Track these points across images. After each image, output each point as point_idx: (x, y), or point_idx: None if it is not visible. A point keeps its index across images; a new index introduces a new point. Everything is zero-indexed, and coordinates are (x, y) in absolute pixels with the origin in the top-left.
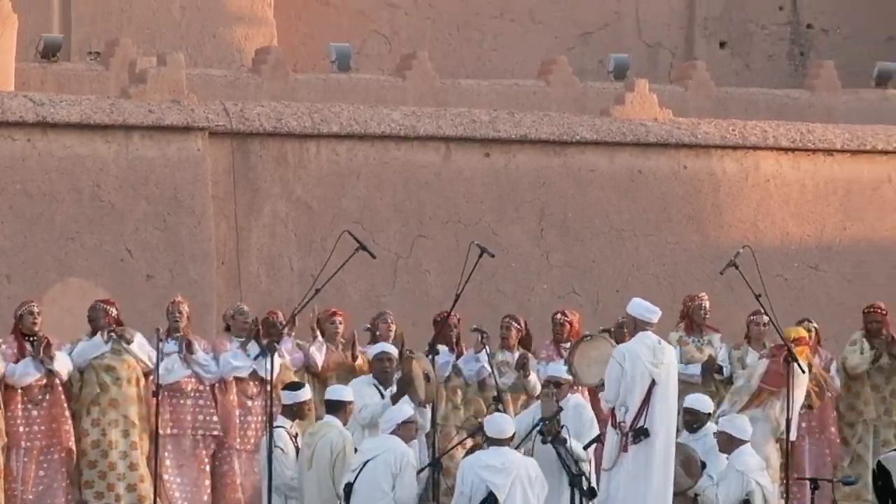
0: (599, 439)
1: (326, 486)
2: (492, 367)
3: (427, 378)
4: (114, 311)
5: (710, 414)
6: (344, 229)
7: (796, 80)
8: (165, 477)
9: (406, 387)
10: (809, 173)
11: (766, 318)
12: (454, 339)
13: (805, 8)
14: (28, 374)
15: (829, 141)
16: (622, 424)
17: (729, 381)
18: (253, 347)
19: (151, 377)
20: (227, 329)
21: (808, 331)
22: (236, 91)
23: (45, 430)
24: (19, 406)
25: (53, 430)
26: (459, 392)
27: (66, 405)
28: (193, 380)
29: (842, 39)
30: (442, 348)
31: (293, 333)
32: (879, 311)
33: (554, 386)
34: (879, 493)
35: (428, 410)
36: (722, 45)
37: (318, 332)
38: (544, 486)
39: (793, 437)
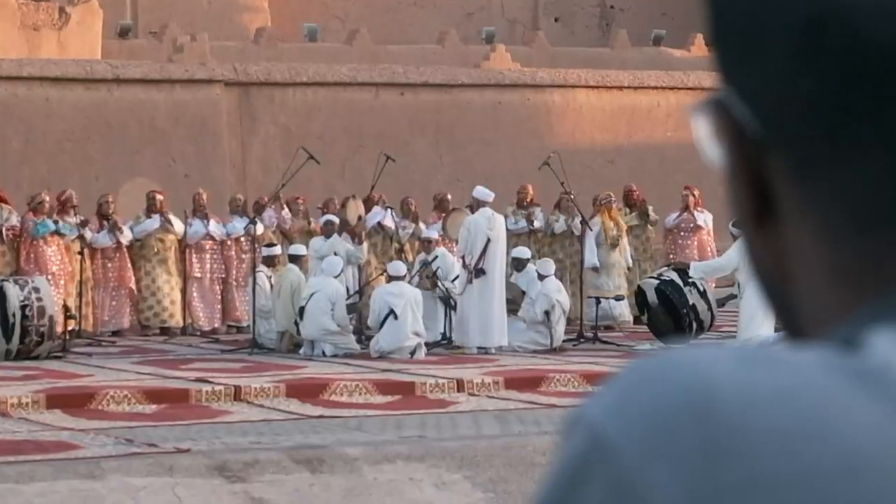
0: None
1: (289, 309)
2: (396, 228)
3: (359, 218)
4: (160, 198)
5: (528, 259)
6: (306, 146)
7: (603, 42)
8: (193, 304)
9: (343, 225)
10: (607, 102)
11: (570, 196)
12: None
13: None
14: (105, 242)
15: (620, 81)
16: (468, 266)
17: (543, 233)
18: (243, 220)
19: (181, 240)
20: (231, 211)
21: (606, 198)
22: (242, 55)
23: (115, 275)
24: (99, 260)
25: (121, 275)
26: (378, 243)
27: (129, 260)
28: (209, 242)
29: (631, 15)
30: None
31: (273, 207)
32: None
33: (427, 241)
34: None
35: (364, 245)
36: (556, 20)
37: (288, 209)
38: (422, 307)
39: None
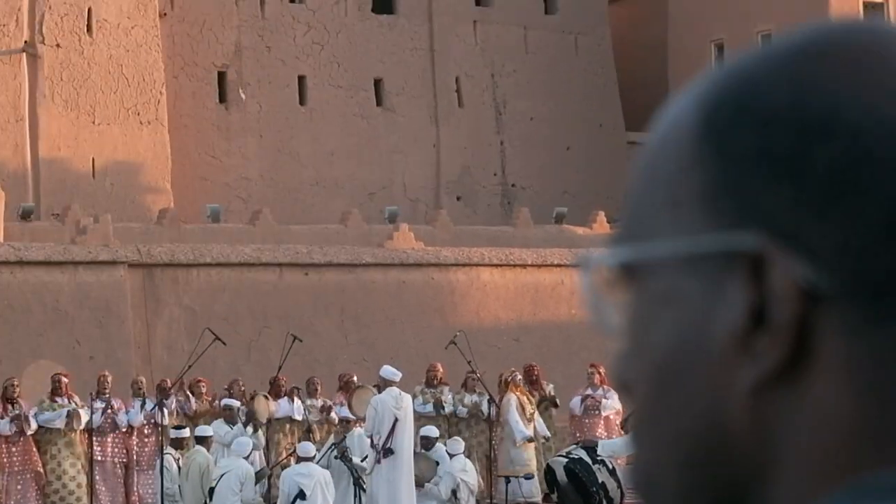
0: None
1: (197, 492)
2: (305, 410)
3: (268, 420)
4: (65, 380)
5: (437, 438)
6: (210, 327)
7: (505, 220)
8: (97, 488)
9: (251, 416)
10: (511, 280)
11: (476, 375)
12: (284, 392)
13: (510, 173)
14: (6, 430)
15: (524, 259)
16: (376, 446)
17: (453, 414)
18: (149, 403)
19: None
20: (133, 394)
21: (510, 377)
22: (146, 237)
23: (20, 459)
24: (3, 446)
25: (26, 460)
26: (287, 425)
27: (33, 444)
28: (111, 426)
29: (533, 193)
30: (280, 400)
31: (177, 393)
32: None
33: (345, 421)
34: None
35: (262, 434)
36: (458, 198)
37: (190, 392)
38: (332, 488)
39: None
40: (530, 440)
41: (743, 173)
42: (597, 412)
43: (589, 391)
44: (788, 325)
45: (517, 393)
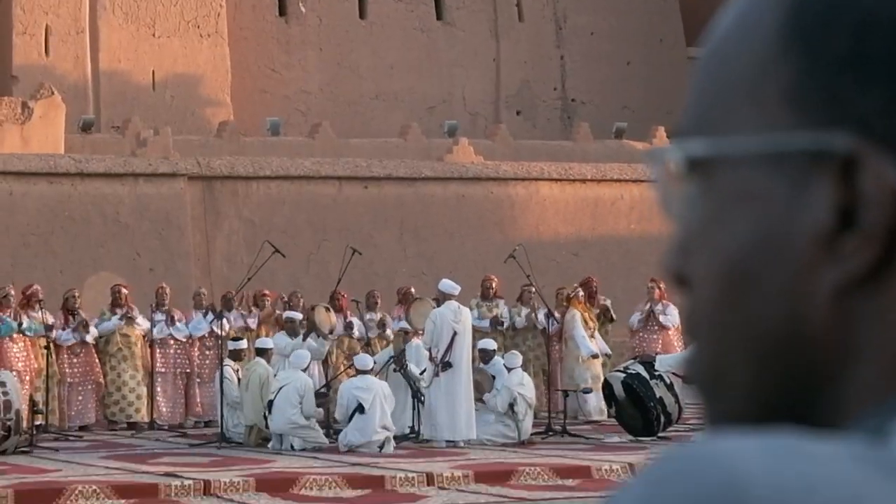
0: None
1: (257, 403)
2: (364, 323)
3: (331, 331)
4: (125, 292)
5: (494, 350)
6: (269, 239)
7: (565, 135)
8: (157, 399)
9: (312, 327)
10: (571, 195)
11: (532, 289)
12: (342, 307)
13: (570, 88)
14: (70, 339)
15: (583, 174)
16: (435, 359)
17: (511, 327)
18: (211, 315)
19: (146, 336)
20: (195, 305)
21: (573, 293)
22: (206, 149)
23: (81, 370)
24: (65, 356)
25: (87, 371)
26: (346, 340)
27: (95, 355)
28: (172, 338)
29: (593, 108)
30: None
31: (238, 305)
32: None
33: (404, 333)
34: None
35: (328, 342)
36: (518, 113)
37: (255, 306)
38: (392, 400)
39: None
40: (595, 356)
41: (835, 73)
42: (656, 326)
43: (649, 305)
44: (880, 228)
45: (580, 309)
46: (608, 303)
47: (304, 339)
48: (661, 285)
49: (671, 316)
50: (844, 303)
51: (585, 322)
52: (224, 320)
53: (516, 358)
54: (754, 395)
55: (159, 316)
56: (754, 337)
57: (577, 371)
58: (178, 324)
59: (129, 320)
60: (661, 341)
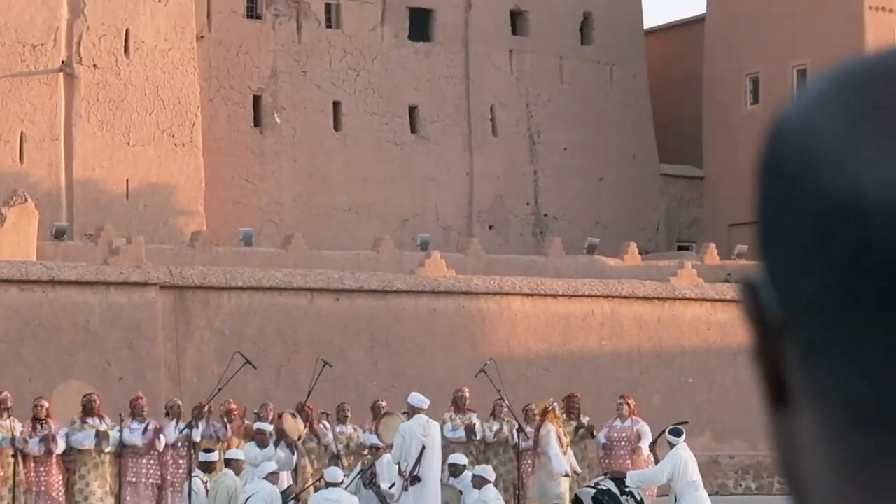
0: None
1: None
2: (334, 436)
3: (299, 437)
4: (97, 400)
5: (465, 465)
6: (240, 350)
7: (537, 249)
8: None
9: (280, 434)
10: (542, 310)
11: (504, 404)
12: (311, 420)
13: (543, 203)
14: (36, 450)
15: (554, 289)
16: (404, 473)
17: (482, 441)
18: (180, 424)
19: (113, 448)
20: (167, 414)
21: (549, 406)
22: (178, 259)
23: (45, 479)
24: (31, 465)
25: (49, 481)
26: (315, 449)
27: (57, 466)
28: (144, 447)
29: (565, 223)
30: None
31: (208, 417)
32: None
33: (374, 448)
34: None
35: (295, 454)
36: (490, 227)
37: (225, 418)
38: None
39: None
40: (566, 475)
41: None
42: (625, 444)
43: (618, 422)
44: (762, 351)
45: (555, 424)
46: (587, 419)
47: (275, 447)
48: (630, 402)
49: (642, 428)
50: (787, 434)
51: (559, 438)
52: (194, 431)
53: (489, 472)
54: None
55: (136, 425)
56: (780, 470)
57: (547, 486)
58: (160, 433)
59: (102, 437)
60: (631, 457)
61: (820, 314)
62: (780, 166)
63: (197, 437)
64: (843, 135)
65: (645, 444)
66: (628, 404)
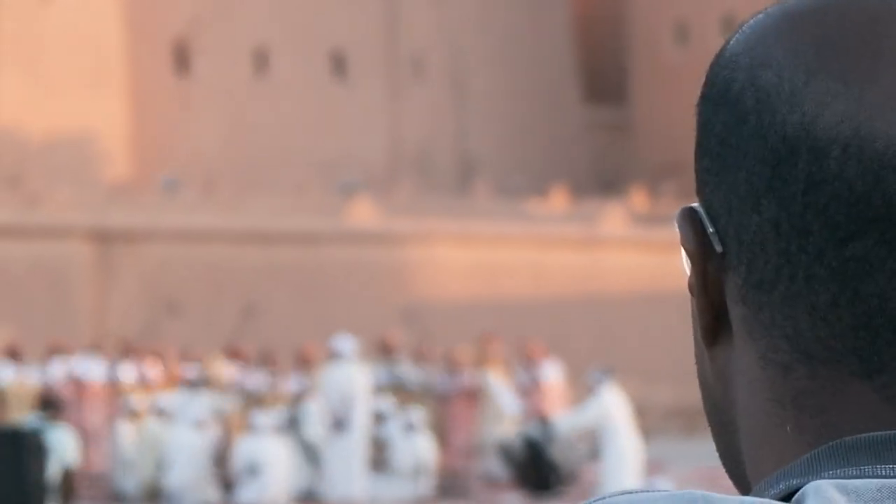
0: None
1: (150, 461)
2: (260, 382)
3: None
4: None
5: (390, 412)
6: (165, 296)
7: (463, 194)
8: None
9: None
10: (468, 252)
11: (430, 347)
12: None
13: (468, 147)
14: None
15: (481, 231)
16: (330, 420)
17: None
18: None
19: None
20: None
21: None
22: (100, 207)
23: None
24: None
25: None
26: (241, 398)
27: None
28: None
29: (491, 167)
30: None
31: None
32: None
33: (300, 395)
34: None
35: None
36: (416, 170)
37: (152, 363)
38: (288, 460)
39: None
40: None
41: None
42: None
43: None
44: (702, 282)
45: (492, 367)
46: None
47: (200, 393)
48: (537, 345)
49: (552, 374)
50: (715, 365)
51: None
52: (122, 374)
53: (416, 414)
54: (723, 461)
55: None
56: (708, 411)
57: (483, 429)
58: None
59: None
60: (545, 399)
61: (767, 250)
62: (728, 99)
63: (122, 380)
64: (797, 70)
65: (555, 382)
66: (536, 348)
